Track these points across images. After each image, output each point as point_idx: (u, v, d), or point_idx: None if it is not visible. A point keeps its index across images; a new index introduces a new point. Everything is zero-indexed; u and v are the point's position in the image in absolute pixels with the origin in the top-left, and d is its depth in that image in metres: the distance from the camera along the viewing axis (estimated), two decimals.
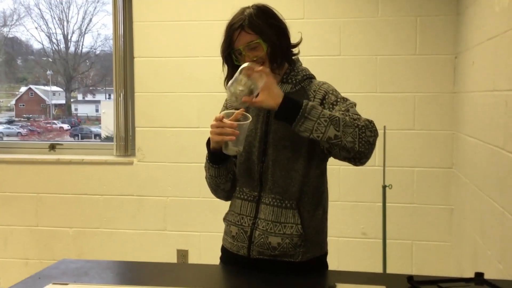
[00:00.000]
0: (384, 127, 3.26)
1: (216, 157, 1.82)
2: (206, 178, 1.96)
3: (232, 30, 1.79)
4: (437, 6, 3.43)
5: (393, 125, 3.45)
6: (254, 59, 1.78)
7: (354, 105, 1.78)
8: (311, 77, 1.91)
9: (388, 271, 3.31)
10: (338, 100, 1.79)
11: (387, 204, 3.31)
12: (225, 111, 1.74)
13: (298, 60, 1.92)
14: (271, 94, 1.65)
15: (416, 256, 3.55)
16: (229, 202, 2.00)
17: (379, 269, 3.32)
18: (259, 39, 1.77)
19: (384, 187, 3.29)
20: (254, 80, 1.65)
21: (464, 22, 3.25)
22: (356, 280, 1.61)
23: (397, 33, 3.48)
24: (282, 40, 1.83)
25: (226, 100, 2.00)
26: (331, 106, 1.78)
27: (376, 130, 1.70)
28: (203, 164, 1.95)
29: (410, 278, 1.70)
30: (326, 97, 1.81)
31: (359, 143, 1.65)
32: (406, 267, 3.52)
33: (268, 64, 1.80)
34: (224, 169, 1.87)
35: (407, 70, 3.49)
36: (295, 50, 1.89)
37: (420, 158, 3.52)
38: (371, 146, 1.68)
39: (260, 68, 1.66)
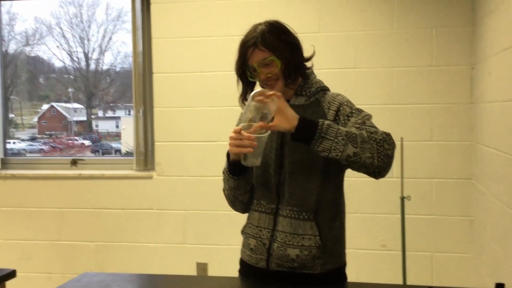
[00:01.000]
0: (402, 138, 3.27)
1: (236, 168, 1.83)
2: (224, 190, 1.98)
3: (246, 48, 1.81)
4: (452, 17, 3.44)
5: (411, 137, 3.45)
6: (269, 75, 1.80)
7: (370, 117, 1.78)
8: (325, 89, 1.92)
9: (408, 283, 3.29)
10: (353, 111, 1.80)
11: (406, 216, 3.30)
12: (244, 123, 1.74)
13: (312, 72, 1.93)
14: (286, 117, 1.66)
15: (436, 267, 3.53)
16: (247, 215, 2.01)
17: (399, 281, 3.30)
18: (272, 56, 1.78)
19: (402, 198, 3.28)
20: (267, 105, 1.67)
21: (480, 33, 3.26)
22: None
23: (413, 45, 3.49)
24: (295, 55, 1.84)
25: (241, 114, 2.03)
26: (346, 118, 1.79)
27: (393, 142, 1.70)
28: (222, 178, 1.98)
29: None
30: (341, 108, 1.81)
31: (378, 158, 1.65)
32: (426, 279, 3.49)
33: (282, 80, 1.82)
34: (243, 180, 1.88)
35: (423, 81, 3.49)
36: (308, 64, 1.91)
37: (438, 169, 3.51)
38: (390, 159, 1.68)
39: (271, 92, 1.67)
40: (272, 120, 1.67)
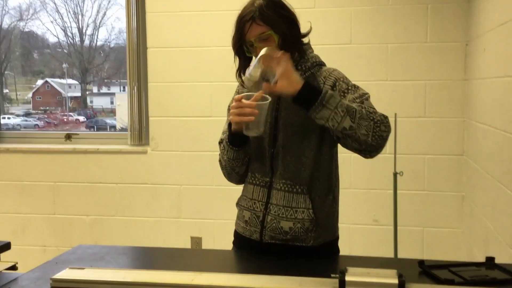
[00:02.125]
0: (395, 114, 3.27)
1: (237, 139, 1.84)
2: (220, 161, 1.97)
3: (243, 22, 1.80)
4: None
5: (404, 113, 3.46)
6: None
7: (368, 96, 1.78)
8: (321, 64, 1.91)
9: (399, 257, 3.34)
10: (349, 88, 1.80)
11: (398, 191, 3.32)
12: (245, 93, 1.73)
13: (309, 47, 1.93)
14: (290, 81, 1.66)
15: (427, 242, 3.58)
16: (241, 189, 2.03)
17: (391, 255, 3.34)
18: (270, 31, 1.78)
19: (395, 174, 3.31)
20: (273, 66, 1.66)
21: (475, 9, 3.25)
22: (367, 264, 1.61)
23: (407, 21, 3.49)
24: (293, 30, 1.83)
25: (237, 87, 2.03)
26: (342, 94, 1.79)
27: (390, 126, 1.71)
28: (216, 153, 1.99)
29: (421, 262, 1.70)
30: (337, 84, 1.81)
31: (372, 137, 1.66)
32: (417, 254, 3.54)
33: None
34: (243, 152, 1.88)
35: (418, 57, 3.49)
36: (305, 40, 1.91)
37: (431, 145, 3.53)
38: (383, 141, 1.70)
39: (279, 54, 1.67)
40: (276, 83, 1.67)
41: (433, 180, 3.54)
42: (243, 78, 1.81)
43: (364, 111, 1.67)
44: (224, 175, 2.01)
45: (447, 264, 1.69)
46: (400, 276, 1.44)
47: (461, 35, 3.43)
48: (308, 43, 1.93)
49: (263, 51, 1.69)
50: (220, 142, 1.96)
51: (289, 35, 1.81)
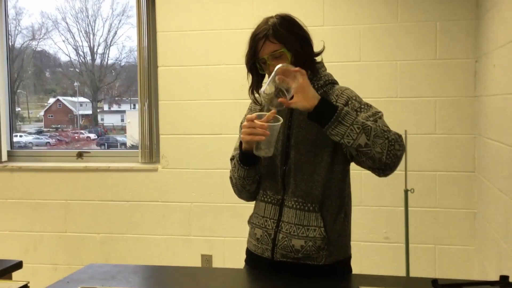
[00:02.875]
0: (405, 131, 3.26)
1: (247, 158, 1.84)
2: (231, 178, 1.98)
3: (257, 40, 1.82)
4: (456, 10, 3.44)
5: (415, 130, 3.46)
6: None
7: (381, 115, 1.79)
8: (333, 82, 1.92)
9: (411, 275, 3.30)
10: (362, 106, 1.81)
11: (409, 208, 3.31)
12: (257, 113, 1.75)
13: (322, 65, 1.94)
14: (306, 96, 1.66)
15: (439, 260, 3.55)
16: (252, 206, 2.03)
17: (402, 273, 3.32)
18: (283, 48, 1.80)
19: (406, 191, 3.30)
20: (288, 81, 1.66)
21: (484, 26, 3.26)
22: (380, 283, 1.61)
23: (417, 38, 3.50)
24: (305, 48, 1.85)
25: (250, 104, 2.04)
26: (354, 112, 1.78)
27: (404, 145, 1.72)
28: (226, 170, 1.99)
29: (434, 281, 1.68)
30: (349, 102, 1.82)
31: (387, 155, 1.67)
32: (429, 272, 3.51)
33: None
34: (253, 170, 1.89)
35: (427, 74, 3.50)
36: (318, 58, 1.92)
37: (442, 162, 3.52)
38: (397, 159, 1.70)
39: (296, 68, 1.68)
40: (292, 98, 1.67)
41: (445, 197, 3.52)
42: (258, 94, 1.82)
43: (379, 129, 1.67)
44: (235, 192, 2.02)
45: (461, 283, 1.67)
46: None
47: (470, 51, 3.44)
48: (321, 62, 1.94)
49: (279, 65, 1.69)
50: (232, 159, 1.97)
51: (301, 53, 1.82)
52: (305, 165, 1.84)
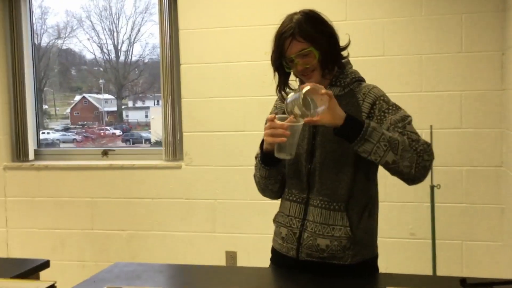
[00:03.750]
0: (431, 126, 3.24)
1: (268, 159, 1.83)
2: (254, 176, 1.98)
3: (283, 39, 1.79)
4: (482, 2, 3.37)
5: (440, 124, 3.41)
6: (306, 66, 1.79)
7: (410, 120, 1.77)
8: (360, 80, 1.89)
9: (438, 272, 3.27)
10: (390, 107, 1.79)
11: (435, 204, 3.27)
12: (279, 115, 1.73)
13: (348, 62, 1.92)
14: (333, 116, 1.64)
15: (467, 256, 3.50)
16: (276, 203, 2.02)
17: (429, 270, 3.29)
18: (310, 47, 1.77)
19: (432, 187, 3.26)
20: (315, 101, 1.64)
21: (510, 18, 3.19)
22: (407, 283, 1.58)
23: (441, 31, 3.44)
24: (332, 45, 1.82)
25: (276, 101, 2.03)
26: (382, 113, 1.78)
27: (433, 153, 1.71)
28: (250, 167, 1.99)
29: (463, 280, 1.66)
30: (377, 102, 1.80)
31: (415, 168, 1.66)
32: (456, 268, 3.47)
33: (320, 70, 1.81)
34: (275, 171, 1.88)
35: (453, 68, 3.44)
36: (344, 53, 1.89)
37: (469, 157, 3.46)
38: (427, 171, 1.69)
39: (324, 91, 1.64)
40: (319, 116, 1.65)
41: (472, 193, 3.47)
42: (286, 93, 1.83)
43: (407, 142, 1.66)
44: (259, 190, 2.01)
45: (490, 282, 1.64)
46: None
47: (496, 44, 3.36)
48: (348, 58, 1.92)
49: (306, 87, 1.65)
50: (256, 157, 1.96)
51: (329, 51, 1.80)
52: (331, 163, 1.82)
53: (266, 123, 1.80)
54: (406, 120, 1.76)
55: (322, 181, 1.83)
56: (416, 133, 1.73)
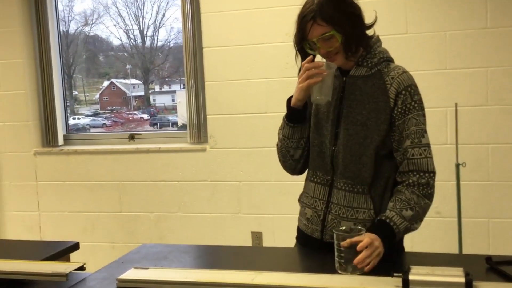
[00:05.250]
0: (456, 104, 3.20)
1: (294, 115, 1.84)
2: (277, 145, 1.97)
3: (305, 22, 1.75)
4: None
5: (465, 102, 3.36)
6: (329, 49, 1.76)
7: (425, 131, 1.78)
8: (388, 60, 1.84)
9: (464, 250, 3.25)
10: (414, 103, 1.77)
11: (461, 182, 3.24)
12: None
13: (377, 40, 1.86)
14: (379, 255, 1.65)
15: (493, 234, 3.47)
16: (299, 184, 2.03)
17: (455, 249, 3.27)
18: (332, 31, 1.72)
19: (457, 165, 3.23)
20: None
21: None
22: (431, 261, 1.57)
23: (466, 6, 3.37)
24: (356, 26, 1.76)
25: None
26: (405, 107, 1.76)
27: (434, 186, 1.81)
28: (273, 149, 2.00)
29: (488, 258, 1.65)
30: (403, 93, 1.77)
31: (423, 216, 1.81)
32: (482, 246, 3.44)
33: (343, 53, 1.77)
34: (299, 130, 1.87)
35: (478, 44, 3.38)
36: (370, 32, 1.84)
37: (494, 134, 3.41)
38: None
39: (356, 239, 1.62)
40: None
41: (498, 170, 3.42)
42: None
43: (420, 212, 1.77)
44: (280, 161, 1.99)
45: None
46: (467, 275, 1.39)
47: None
48: (377, 37, 1.87)
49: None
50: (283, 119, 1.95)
51: (352, 33, 1.75)
52: (355, 146, 1.80)
53: (299, 72, 1.80)
54: (420, 132, 1.77)
55: (346, 164, 1.82)
56: (426, 147, 1.77)
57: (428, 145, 1.78)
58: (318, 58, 1.83)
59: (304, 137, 1.91)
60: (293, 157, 1.94)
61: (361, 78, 1.82)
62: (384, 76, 1.80)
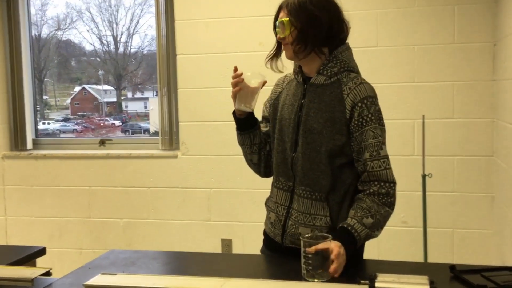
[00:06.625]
0: (423, 116, 3.28)
1: (239, 123, 1.97)
2: None
3: (279, 8, 1.88)
4: None
5: (432, 114, 3.45)
6: (281, 36, 1.85)
7: (383, 143, 1.80)
8: (350, 70, 1.85)
9: (429, 259, 3.32)
10: (370, 115, 1.78)
11: (427, 193, 3.32)
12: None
13: (346, 48, 1.87)
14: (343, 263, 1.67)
15: (457, 244, 3.55)
16: (268, 192, 2.05)
17: (420, 258, 3.34)
18: (287, 19, 1.82)
19: (423, 176, 3.30)
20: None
21: (502, 9, 3.21)
22: (397, 270, 1.58)
23: (434, 22, 3.47)
24: (314, 26, 1.80)
25: (273, 87, 2.06)
26: (361, 120, 1.78)
27: (395, 195, 1.83)
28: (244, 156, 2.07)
29: (452, 267, 1.67)
30: (359, 105, 1.78)
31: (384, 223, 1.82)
32: (447, 256, 3.52)
33: (291, 46, 1.84)
34: (248, 137, 1.98)
35: (445, 59, 3.47)
36: (340, 41, 1.87)
37: (460, 146, 3.50)
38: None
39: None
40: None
41: (463, 182, 3.52)
42: (271, 62, 1.94)
43: (381, 220, 1.79)
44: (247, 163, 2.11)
45: (479, 269, 1.66)
46: (431, 283, 1.42)
47: (488, 35, 3.40)
48: (346, 45, 1.89)
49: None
50: None
51: (305, 31, 1.80)
52: (312, 154, 1.83)
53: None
54: (378, 145, 1.79)
55: (304, 171, 1.85)
56: (385, 159, 1.80)
57: (386, 157, 1.81)
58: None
59: (255, 143, 2.00)
60: (252, 161, 2.05)
61: (320, 87, 1.85)
62: (342, 86, 1.82)
